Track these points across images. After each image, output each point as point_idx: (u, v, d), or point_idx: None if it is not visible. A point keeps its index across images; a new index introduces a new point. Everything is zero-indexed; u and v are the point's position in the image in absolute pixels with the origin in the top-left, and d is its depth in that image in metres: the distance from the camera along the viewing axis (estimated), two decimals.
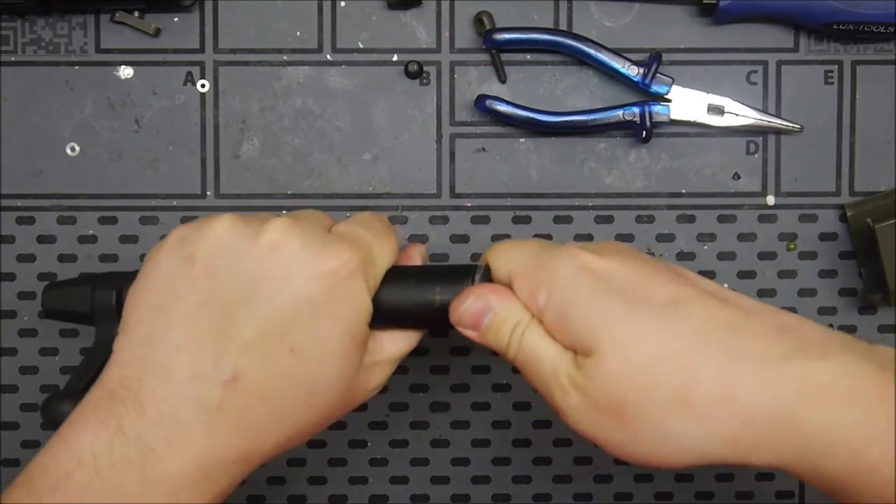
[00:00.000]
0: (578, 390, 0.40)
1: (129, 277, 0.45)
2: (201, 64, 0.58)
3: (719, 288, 0.42)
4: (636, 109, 0.56)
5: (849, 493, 0.37)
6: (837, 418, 0.36)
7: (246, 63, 0.58)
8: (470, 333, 0.44)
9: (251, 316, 0.41)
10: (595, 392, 0.39)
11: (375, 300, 0.44)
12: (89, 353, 0.47)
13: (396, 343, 0.46)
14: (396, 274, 0.46)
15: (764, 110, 0.57)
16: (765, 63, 0.58)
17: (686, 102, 0.57)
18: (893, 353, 0.38)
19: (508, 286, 0.44)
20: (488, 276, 0.45)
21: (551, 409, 0.42)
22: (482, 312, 0.43)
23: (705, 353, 0.38)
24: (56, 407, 0.44)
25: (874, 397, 0.36)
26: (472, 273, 0.45)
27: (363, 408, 0.59)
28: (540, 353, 0.42)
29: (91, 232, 0.58)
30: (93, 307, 0.47)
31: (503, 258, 0.45)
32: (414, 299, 0.45)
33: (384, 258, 0.45)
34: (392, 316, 0.45)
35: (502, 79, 0.58)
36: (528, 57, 0.58)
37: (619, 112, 0.56)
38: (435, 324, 0.46)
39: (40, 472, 0.39)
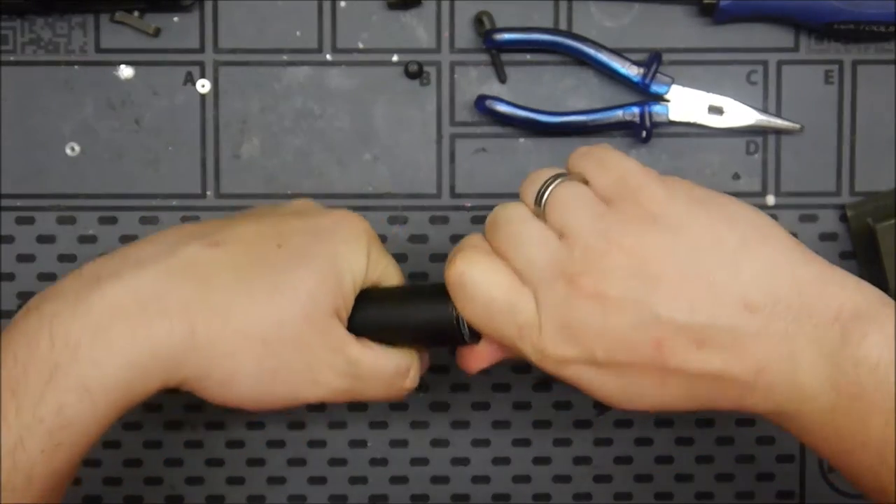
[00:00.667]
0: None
1: None
2: (201, 64, 0.58)
3: None
4: (636, 109, 0.56)
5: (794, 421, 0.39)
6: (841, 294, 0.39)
7: (246, 63, 0.58)
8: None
9: (255, 217, 0.45)
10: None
11: (369, 307, 0.44)
12: None
13: (382, 353, 0.45)
14: (392, 287, 0.46)
15: (764, 110, 0.57)
16: (765, 63, 0.58)
17: (686, 102, 0.57)
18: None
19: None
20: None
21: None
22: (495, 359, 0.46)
23: (694, 403, 0.41)
24: None
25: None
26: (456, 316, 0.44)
27: (363, 407, 0.59)
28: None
29: (91, 232, 0.58)
30: None
31: (479, 328, 0.43)
32: (405, 304, 0.45)
33: (389, 265, 0.47)
34: (381, 322, 0.45)
35: (502, 79, 0.58)
36: (528, 57, 0.58)
37: (619, 112, 0.56)
38: (426, 335, 0.46)
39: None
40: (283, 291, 0.41)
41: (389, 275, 0.46)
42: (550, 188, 0.42)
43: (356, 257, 0.44)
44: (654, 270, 0.39)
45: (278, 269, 0.42)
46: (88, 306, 0.39)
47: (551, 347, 0.40)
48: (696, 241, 0.39)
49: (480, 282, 0.41)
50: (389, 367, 0.45)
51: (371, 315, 0.45)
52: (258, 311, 0.41)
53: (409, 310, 0.45)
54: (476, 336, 0.44)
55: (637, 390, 0.40)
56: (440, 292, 0.43)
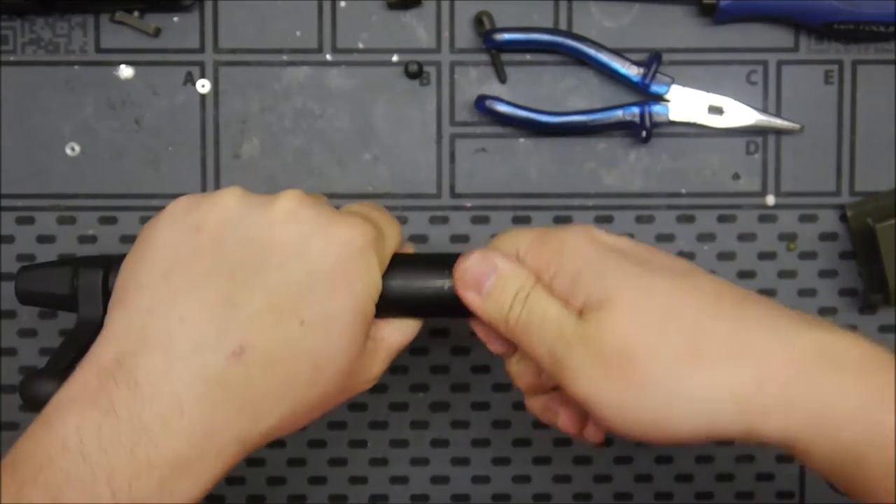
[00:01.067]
0: (585, 344, 0.39)
1: (115, 259, 0.43)
2: (201, 64, 0.58)
3: None
4: (636, 109, 0.56)
5: (859, 467, 0.36)
6: (857, 385, 0.36)
7: (246, 63, 0.58)
8: (471, 296, 0.43)
9: (261, 285, 0.39)
10: (603, 344, 0.38)
11: (385, 287, 0.44)
12: (70, 335, 0.43)
13: (397, 332, 0.45)
14: (402, 260, 0.45)
15: (764, 110, 0.57)
16: (765, 63, 0.58)
17: (686, 102, 0.57)
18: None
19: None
20: None
21: (553, 376, 0.41)
22: (485, 274, 0.43)
23: (718, 314, 0.38)
24: (36, 386, 0.40)
25: (891, 368, 0.36)
26: None
27: (363, 407, 0.59)
28: (545, 314, 0.41)
29: (91, 232, 0.58)
30: (74, 288, 0.44)
31: (511, 239, 0.44)
32: (422, 283, 0.45)
33: (392, 239, 0.45)
34: (398, 301, 0.45)
35: (502, 79, 0.58)
36: (528, 57, 0.58)
37: (619, 112, 0.56)
38: (441, 310, 0.45)
39: (23, 458, 0.37)
40: (321, 370, 0.41)
41: (395, 244, 0.45)
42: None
43: (371, 280, 0.42)
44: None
45: (310, 351, 0.40)
46: (147, 463, 0.37)
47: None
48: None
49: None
50: (406, 340, 0.46)
51: (390, 300, 0.44)
52: (303, 397, 0.41)
53: (427, 291, 0.45)
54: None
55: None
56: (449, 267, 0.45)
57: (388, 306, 0.44)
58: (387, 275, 0.44)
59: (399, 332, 0.45)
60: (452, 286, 0.44)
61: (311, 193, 0.44)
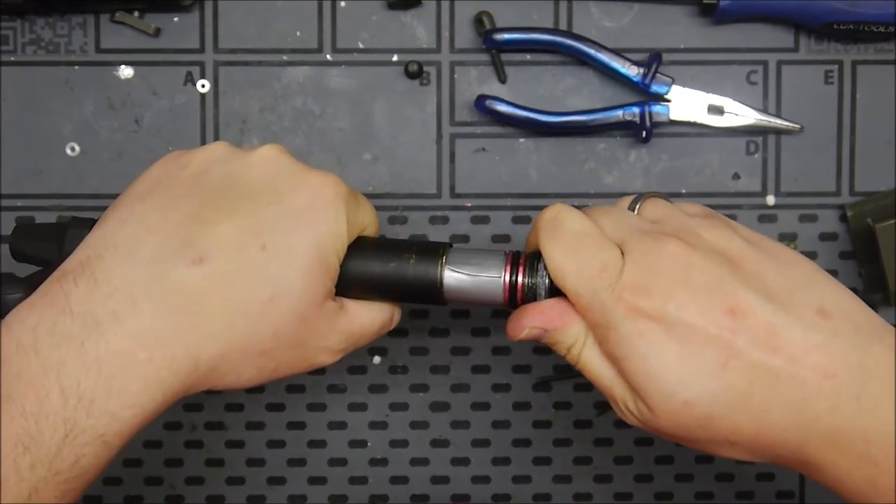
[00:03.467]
0: (637, 417, 0.41)
1: None
2: (201, 64, 0.58)
3: (762, 262, 0.41)
4: (636, 109, 0.56)
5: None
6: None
7: (246, 63, 0.58)
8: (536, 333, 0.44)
9: (231, 209, 0.41)
10: (652, 425, 0.41)
11: (351, 263, 0.44)
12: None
13: (364, 310, 0.45)
14: (370, 241, 0.46)
15: (764, 110, 0.57)
16: (765, 63, 0.58)
17: (686, 102, 0.57)
18: None
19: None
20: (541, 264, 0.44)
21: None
22: (539, 335, 0.44)
23: (746, 414, 0.39)
24: (3, 293, 0.42)
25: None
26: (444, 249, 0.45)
27: (363, 407, 0.59)
28: (597, 373, 0.42)
29: None
30: (63, 248, 0.44)
31: (559, 263, 0.42)
32: (385, 263, 0.45)
33: (367, 216, 0.45)
34: (362, 279, 0.45)
35: (502, 79, 0.58)
36: (528, 57, 0.58)
37: (619, 112, 0.56)
38: (403, 291, 0.45)
39: None
40: (276, 301, 0.41)
41: (368, 222, 0.46)
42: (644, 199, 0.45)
43: (337, 230, 0.43)
44: (737, 256, 0.41)
45: (268, 277, 0.41)
46: (96, 358, 0.38)
47: (629, 292, 0.40)
48: (777, 253, 0.42)
49: (574, 219, 0.42)
50: (376, 324, 0.46)
51: (355, 276, 0.45)
52: (255, 328, 0.41)
53: (392, 270, 0.45)
54: (445, 302, 0.45)
55: (695, 366, 0.39)
56: (424, 252, 0.45)
57: (355, 282, 0.44)
58: (354, 253, 0.44)
59: (367, 310, 0.45)
60: (415, 268, 0.45)
61: None
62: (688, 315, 0.39)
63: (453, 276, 0.44)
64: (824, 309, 0.39)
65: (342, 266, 0.44)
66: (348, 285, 0.44)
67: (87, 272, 0.39)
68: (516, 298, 0.44)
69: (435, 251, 0.45)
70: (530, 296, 0.44)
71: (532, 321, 0.43)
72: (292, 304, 0.41)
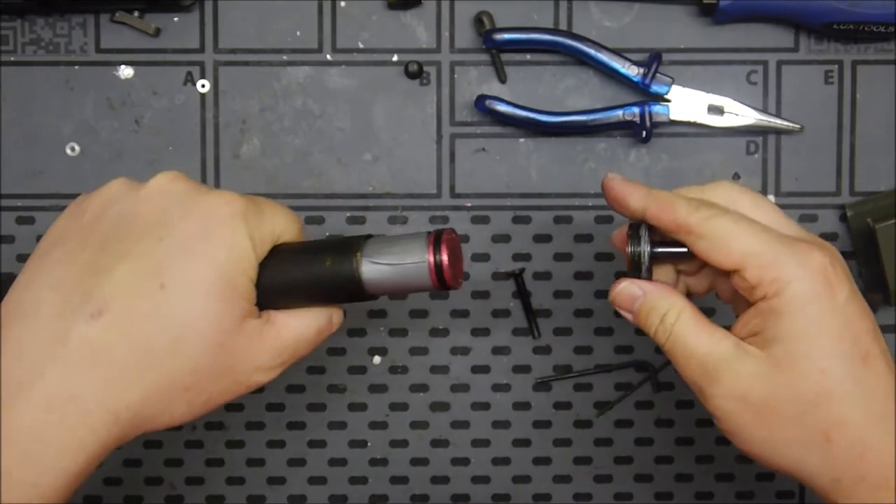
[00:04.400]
0: (735, 379, 0.41)
1: None
2: (201, 64, 0.58)
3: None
4: (636, 109, 0.56)
5: None
6: None
7: (246, 63, 0.58)
8: (625, 314, 0.45)
9: (126, 252, 0.40)
10: (751, 389, 0.41)
11: (268, 275, 0.42)
12: None
13: (293, 320, 0.43)
14: (288, 247, 0.44)
15: (764, 110, 0.57)
16: (765, 63, 0.58)
17: (686, 102, 0.57)
18: None
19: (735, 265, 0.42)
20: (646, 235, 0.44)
21: (695, 394, 0.43)
22: (634, 297, 0.44)
23: (867, 413, 0.41)
24: None
25: None
26: (359, 243, 0.43)
27: (363, 407, 0.59)
28: (691, 345, 0.42)
29: None
30: None
31: (734, 233, 0.42)
32: (305, 265, 0.43)
33: (277, 223, 0.43)
34: (285, 287, 0.43)
35: (502, 79, 0.58)
36: (528, 57, 0.58)
37: (619, 112, 0.56)
38: (325, 292, 0.43)
39: None
40: (184, 338, 0.40)
41: (281, 229, 0.44)
42: None
43: (238, 250, 0.41)
44: None
45: (170, 315, 0.40)
46: (7, 431, 0.37)
47: (812, 264, 0.41)
48: None
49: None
50: (311, 331, 0.44)
51: (275, 287, 0.43)
52: (168, 368, 0.40)
53: (309, 274, 0.43)
54: (372, 297, 0.43)
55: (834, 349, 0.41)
56: (339, 250, 0.43)
57: (276, 293, 0.43)
58: (270, 264, 0.43)
59: (297, 320, 0.43)
60: (332, 268, 0.43)
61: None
62: (855, 302, 0.42)
63: (374, 269, 0.42)
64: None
65: (261, 279, 0.42)
66: (272, 298, 0.43)
67: None
68: (444, 278, 0.42)
69: (349, 246, 0.43)
70: (634, 265, 0.44)
71: (636, 281, 0.44)
72: (203, 337, 0.40)
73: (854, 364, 0.40)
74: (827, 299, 0.41)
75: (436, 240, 0.42)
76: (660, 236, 0.44)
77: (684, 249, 0.44)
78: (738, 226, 0.42)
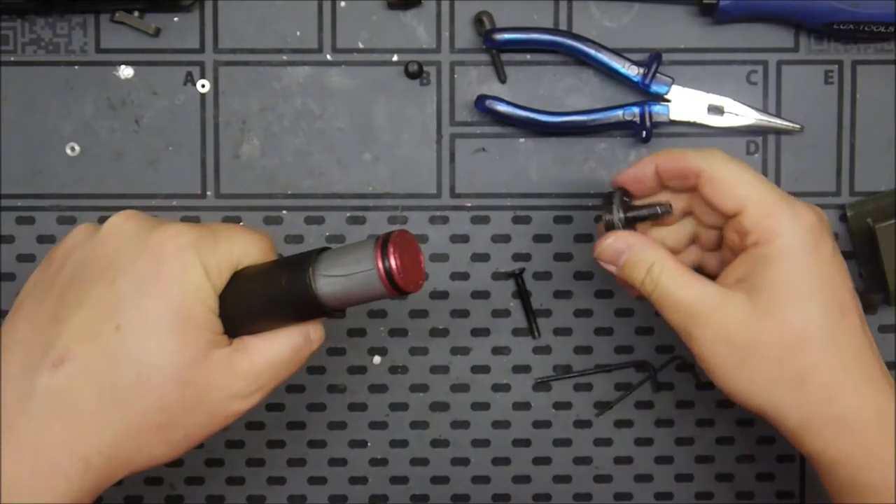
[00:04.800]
0: (721, 323, 0.45)
1: None
2: (201, 64, 0.58)
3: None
4: (636, 109, 0.56)
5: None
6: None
7: (246, 63, 0.58)
8: (610, 268, 0.48)
9: (82, 299, 0.41)
10: (737, 332, 0.44)
11: (231, 303, 0.42)
12: None
13: (264, 343, 0.43)
14: (247, 273, 0.43)
15: (764, 110, 0.57)
16: (765, 63, 0.58)
17: (686, 102, 0.57)
18: None
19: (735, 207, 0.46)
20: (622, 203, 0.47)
21: (683, 341, 0.46)
22: (619, 252, 0.47)
23: (840, 360, 0.44)
24: None
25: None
26: (314, 255, 0.42)
27: (363, 407, 0.59)
28: (679, 293, 0.45)
29: None
30: None
31: (749, 175, 0.46)
32: (262, 288, 0.42)
33: (235, 248, 0.43)
34: (247, 312, 0.42)
35: (502, 79, 0.58)
36: (528, 57, 0.58)
37: (619, 112, 0.56)
38: (288, 308, 0.42)
39: None
40: (146, 378, 0.40)
41: (240, 254, 0.43)
42: None
43: (191, 283, 0.41)
44: None
45: (128, 356, 0.40)
46: None
47: (802, 218, 0.45)
48: None
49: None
50: (285, 353, 0.43)
51: (239, 313, 0.42)
52: (135, 409, 0.40)
53: (268, 297, 0.42)
54: (335, 310, 0.42)
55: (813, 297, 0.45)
56: (293, 268, 0.42)
57: (240, 319, 0.42)
58: (231, 290, 0.42)
59: (269, 342, 0.43)
60: (288, 288, 0.41)
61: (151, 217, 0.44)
62: (837, 261, 0.45)
63: (328, 282, 0.41)
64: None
65: (223, 307, 0.42)
66: (238, 324, 0.42)
67: None
68: (397, 283, 0.40)
69: (302, 263, 0.42)
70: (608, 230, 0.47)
71: (621, 234, 0.47)
72: (165, 373, 0.40)
73: (832, 315, 0.44)
74: (813, 255, 0.44)
75: (383, 244, 0.40)
76: (630, 204, 0.49)
77: (657, 211, 0.48)
78: (745, 174, 0.45)
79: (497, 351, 0.59)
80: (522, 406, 0.59)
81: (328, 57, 0.58)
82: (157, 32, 0.57)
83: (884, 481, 0.43)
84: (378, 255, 0.40)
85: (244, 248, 0.43)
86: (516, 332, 0.59)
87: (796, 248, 0.44)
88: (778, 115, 0.58)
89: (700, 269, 0.50)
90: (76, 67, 0.58)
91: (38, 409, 0.39)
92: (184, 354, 0.40)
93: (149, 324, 0.40)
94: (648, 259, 0.46)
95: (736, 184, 0.45)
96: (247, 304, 0.42)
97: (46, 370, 0.40)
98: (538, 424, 0.59)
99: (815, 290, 0.44)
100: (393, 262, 0.40)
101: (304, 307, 0.42)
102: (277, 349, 0.43)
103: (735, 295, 0.45)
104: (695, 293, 0.45)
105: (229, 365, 0.42)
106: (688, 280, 0.46)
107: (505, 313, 0.59)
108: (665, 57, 0.57)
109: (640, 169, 0.48)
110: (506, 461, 0.59)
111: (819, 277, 0.44)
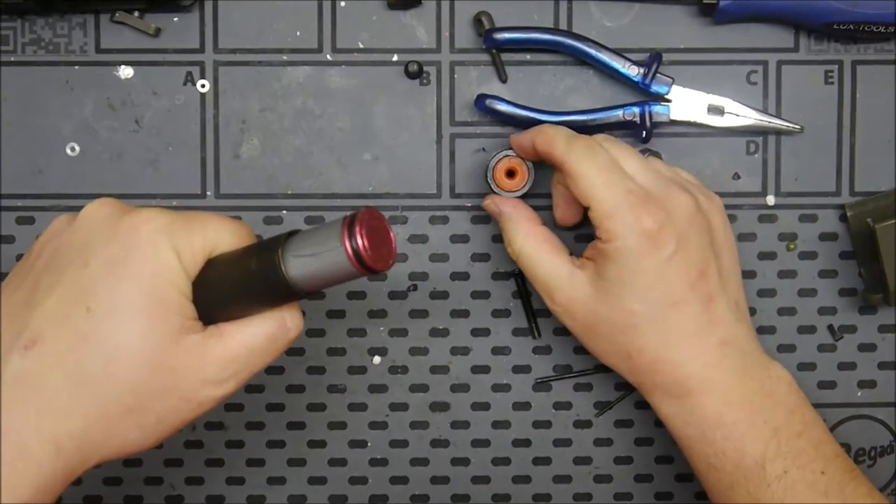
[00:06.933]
0: (566, 299, 0.51)
1: None
2: (201, 64, 0.58)
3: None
4: (636, 109, 0.56)
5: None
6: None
7: (246, 63, 0.58)
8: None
9: (55, 283, 0.41)
10: (578, 310, 0.51)
11: (204, 288, 0.42)
12: None
13: (239, 329, 0.43)
14: (221, 258, 0.43)
15: (764, 110, 0.57)
16: (765, 63, 0.58)
17: (686, 102, 0.57)
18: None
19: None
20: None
21: (545, 303, 0.52)
22: (495, 214, 0.55)
23: (664, 344, 0.50)
24: None
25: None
26: (282, 240, 0.42)
27: (363, 407, 0.59)
28: (535, 266, 0.52)
29: None
30: None
31: (593, 177, 0.50)
32: (234, 271, 0.42)
33: (209, 234, 0.43)
34: (219, 297, 0.42)
35: (502, 79, 0.58)
36: (528, 57, 0.58)
37: (619, 112, 0.56)
38: (267, 298, 0.42)
39: None
40: (116, 360, 0.40)
41: (214, 240, 0.43)
42: None
43: (163, 266, 0.41)
44: (715, 230, 0.53)
45: (99, 339, 0.40)
46: None
47: (647, 219, 0.49)
48: (733, 249, 0.54)
49: (608, 149, 0.51)
50: (260, 338, 0.43)
51: (213, 299, 0.42)
52: (106, 392, 0.40)
53: (240, 280, 0.42)
54: (306, 292, 0.42)
55: (658, 292, 0.50)
56: (263, 251, 0.42)
57: (213, 304, 0.42)
58: (204, 276, 0.42)
59: (244, 328, 0.43)
60: (258, 271, 0.41)
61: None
62: (677, 260, 0.49)
63: (298, 262, 0.41)
64: (738, 303, 0.52)
65: (196, 293, 0.42)
66: (212, 310, 0.42)
67: None
68: (365, 262, 0.40)
69: (272, 244, 0.41)
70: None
71: (497, 201, 0.54)
72: (135, 356, 0.40)
73: (661, 309, 0.49)
74: (647, 256, 0.48)
75: (350, 223, 0.40)
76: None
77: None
78: (596, 173, 0.49)
79: (497, 351, 0.59)
80: (522, 406, 0.59)
81: (328, 57, 0.58)
82: (157, 32, 0.57)
83: (701, 435, 0.50)
84: (345, 234, 0.40)
85: (217, 233, 0.43)
86: (516, 332, 0.59)
87: (630, 251, 0.48)
88: (778, 116, 0.58)
89: None
90: (76, 67, 0.58)
91: (8, 393, 0.39)
92: (155, 337, 0.40)
93: (120, 306, 0.40)
94: (511, 231, 0.53)
95: (586, 184, 0.49)
96: (219, 289, 0.42)
97: (17, 353, 0.40)
98: (538, 424, 0.59)
99: (645, 288, 0.49)
100: (360, 241, 0.40)
101: (275, 289, 0.41)
102: (251, 334, 0.43)
103: (581, 276, 0.51)
104: (548, 269, 0.52)
105: (202, 350, 0.42)
106: (545, 255, 0.52)
107: (505, 313, 0.59)
108: (665, 57, 0.57)
109: (525, 139, 0.53)
110: (506, 461, 0.59)
111: (650, 276, 0.49)
